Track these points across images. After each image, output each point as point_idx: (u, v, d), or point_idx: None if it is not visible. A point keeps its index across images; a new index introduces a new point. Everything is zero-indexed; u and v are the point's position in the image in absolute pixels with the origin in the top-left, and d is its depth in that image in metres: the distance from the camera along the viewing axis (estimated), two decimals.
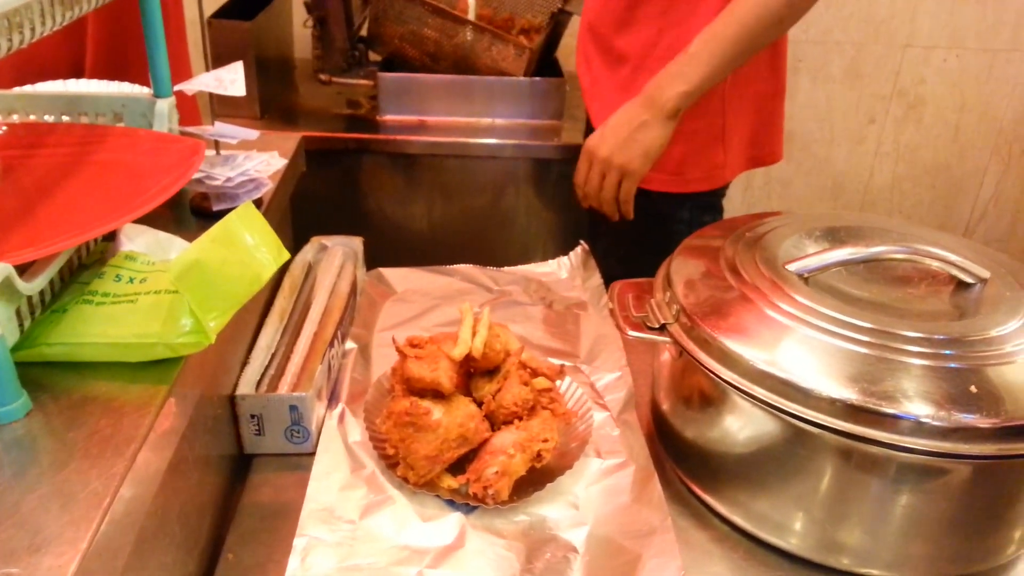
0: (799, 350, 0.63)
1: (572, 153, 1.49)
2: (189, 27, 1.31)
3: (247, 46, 1.49)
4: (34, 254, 0.56)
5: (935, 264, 0.72)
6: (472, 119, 1.60)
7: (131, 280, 0.61)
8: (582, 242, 1.13)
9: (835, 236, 0.79)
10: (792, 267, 0.71)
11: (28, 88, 0.90)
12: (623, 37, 1.18)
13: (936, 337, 0.63)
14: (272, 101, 1.65)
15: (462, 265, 1.10)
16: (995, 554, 0.67)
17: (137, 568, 0.53)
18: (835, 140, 2.18)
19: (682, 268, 0.76)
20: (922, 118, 2.15)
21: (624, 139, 1.09)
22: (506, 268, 1.11)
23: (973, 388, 0.59)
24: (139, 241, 0.67)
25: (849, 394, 0.59)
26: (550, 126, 1.61)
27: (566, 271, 1.11)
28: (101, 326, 0.57)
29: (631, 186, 1.12)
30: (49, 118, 0.82)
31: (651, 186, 1.16)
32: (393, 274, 1.07)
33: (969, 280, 0.71)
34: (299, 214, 1.11)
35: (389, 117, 1.60)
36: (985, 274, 0.71)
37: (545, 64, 1.69)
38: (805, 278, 0.70)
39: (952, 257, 0.71)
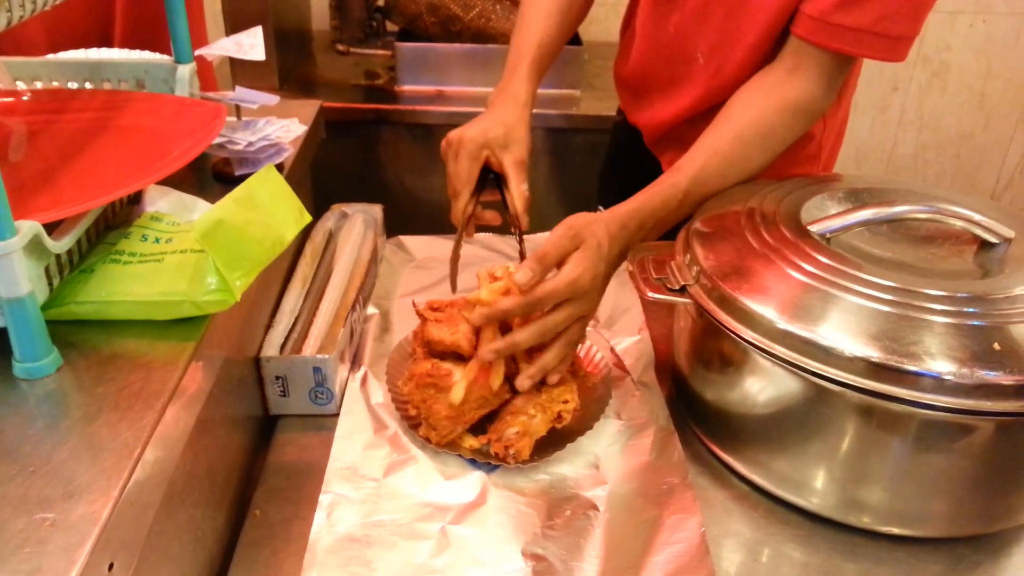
0: (821, 309, 0.63)
1: (590, 123, 1.50)
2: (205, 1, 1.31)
3: (265, 16, 1.49)
4: (61, 213, 0.57)
5: (958, 224, 0.71)
6: (490, 89, 1.56)
7: (157, 240, 0.62)
8: (601, 208, 1.12)
9: (857, 197, 0.78)
10: (814, 228, 0.71)
11: (51, 56, 0.90)
12: None
13: (959, 295, 0.62)
14: (290, 72, 1.65)
15: (481, 233, 1.09)
16: (1017, 512, 0.67)
17: (167, 521, 0.55)
18: (858, 108, 2.15)
19: (702, 230, 0.75)
20: (946, 85, 2.12)
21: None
22: (525, 236, 1.10)
23: (996, 345, 0.59)
24: (163, 203, 0.68)
25: (871, 352, 0.59)
26: (568, 96, 1.60)
27: None
28: (128, 285, 0.58)
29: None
30: (73, 84, 0.83)
31: None
32: (413, 242, 1.08)
33: (993, 239, 0.70)
34: (319, 184, 1.12)
35: (407, 87, 1.60)
36: (1009, 233, 0.70)
37: None
38: (827, 238, 0.70)
39: (976, 216, 0.70)
